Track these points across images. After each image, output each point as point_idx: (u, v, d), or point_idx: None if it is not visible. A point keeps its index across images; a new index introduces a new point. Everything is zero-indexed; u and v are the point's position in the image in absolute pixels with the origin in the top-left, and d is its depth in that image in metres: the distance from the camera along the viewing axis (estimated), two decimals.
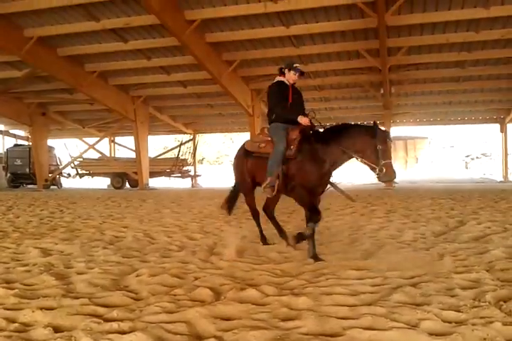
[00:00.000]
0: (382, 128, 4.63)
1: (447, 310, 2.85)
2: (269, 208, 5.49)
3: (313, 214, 4.57)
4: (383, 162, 4.39)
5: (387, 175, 4.44)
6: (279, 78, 5.10)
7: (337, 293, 3.29)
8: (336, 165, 4.71)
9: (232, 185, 5.75)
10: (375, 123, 4.65)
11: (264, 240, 5.42)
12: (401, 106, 23.56)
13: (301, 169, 4.67)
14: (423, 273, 3.81)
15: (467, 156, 37.01)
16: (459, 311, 2.82)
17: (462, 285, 3.40)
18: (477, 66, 18.18)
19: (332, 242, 5.54)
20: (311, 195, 4.68)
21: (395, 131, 24.96)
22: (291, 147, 4.71)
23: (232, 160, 5.73)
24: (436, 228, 6.49)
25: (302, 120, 4.80)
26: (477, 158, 36.26)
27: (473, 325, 2.57)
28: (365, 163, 4.54)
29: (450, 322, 2.65)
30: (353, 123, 4.81)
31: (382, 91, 19.17)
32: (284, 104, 4.95)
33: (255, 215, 5.47)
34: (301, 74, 5.05)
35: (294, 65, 4.99)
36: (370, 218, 7.93)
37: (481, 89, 21.15)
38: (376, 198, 13.05)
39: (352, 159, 4.68)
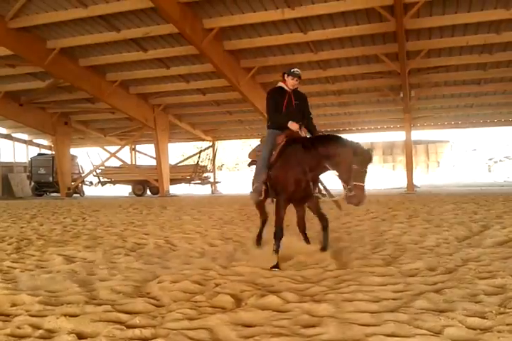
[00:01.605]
0: (368, 150, 4.36)
1: (472, 316, 2.79)
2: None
3: (276, 230, 4.62)
4: (354, 183, 4.21)
5: (354, 197, 4.23)
6: (279, 84, 5.11)
7: (359, 300, 3.26)
8: (315, 173, 4.60)
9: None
10: (358, 143, 4.39)
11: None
12: (421, 109, 23.29)
13: (278, 174, 4.70)
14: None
15: (490, 159, 36.35)
16: (484, 318, 2.76)
17: (487, 291, 3.33)
18: (499, 68, 17.90)
19: (353, 248, 5.49)
20: (287, 202, 4.71)
21: (415, 135, 24.69)
22: (273, 152, 4.80)
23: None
24: (460, 233, 6.38)
25: (292, 126, 4.81)
26: (500, 161, 35.56)
27: (499, 332, 2.51)
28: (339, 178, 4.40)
29: (475, 329, 2.60)
30: (341, 135, 4.62)
31: (401, 95, 19.00)
32: (277, 110, 4.96)
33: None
34: (299, 77, 4.97)
35: (291, 70, 4.96)
36: (392, 223, 7.85)
37: (504, 91, 20.78)
38: (397, 203, 12.91)
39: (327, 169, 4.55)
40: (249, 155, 5.36)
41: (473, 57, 16.63)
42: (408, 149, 20.90)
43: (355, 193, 4.21)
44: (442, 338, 2.49)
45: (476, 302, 3.07)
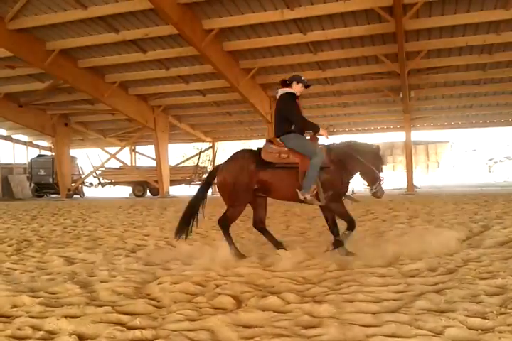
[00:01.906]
0: (383, 156, 5.47)
1: (473, 317, 2.79)
2: (262, 223, 5.29)
3: (351, 222, 5.17)
4: (378, 182, 5.19)
5: (379, 192, 5.23)
6: (287, 90, 5.15)
7: (359, 300, 3.26)
8: (352, 176, 5.23)
9: (195, 196, 5.57)
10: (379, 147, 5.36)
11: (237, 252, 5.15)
12: (421, 110, 23.31)
13: (336, 177, 5.02)
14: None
15: (490, 160, 36.36)
16: (484, 318, 2.76)
17: (488, 292, 3.33)
18: (499, 68, 17.91)
19: (354, 248, 5.48)
20: (342, 202, 5.18)
21: (415, 136, 24.69)
22: (329, 159, 5.03)
23: (222, 166, 5.29)
24: (460, 233, 6.37)
25: (324, 132, 5.09)
26: (500, 161, 35.57)
27: (500, 332, 2.51)
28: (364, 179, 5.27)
29: (476, 330, 2.60)
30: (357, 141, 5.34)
31: (401, 95, 19.00)
32: (302, 115, 5.10)
33: (228, 227, 5.27)
34: (307, 86, 5.27)
35: (303, 78, 5.19)
36: (392, 224, 7.84)
37: (503, 92, 20.79)
38: (398, 203, 12.91)
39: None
40: (266, 157, 4.99)
41: (473, 58, 16.65)
42: (408, 149, 20.93)
43: (379, 188, 5.20)
44: (443, 339, 2.49)
45: (477, 303, 3.07)
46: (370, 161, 5.11)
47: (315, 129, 5.08)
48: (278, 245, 5.18)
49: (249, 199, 5.14)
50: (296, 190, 4.86)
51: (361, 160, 5.06)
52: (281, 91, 5.18)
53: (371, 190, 5.18)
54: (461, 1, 12.97)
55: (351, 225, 5.15)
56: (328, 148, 5.12)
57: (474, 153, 36.87)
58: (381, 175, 5.19)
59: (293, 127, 5.01)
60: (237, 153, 5.33)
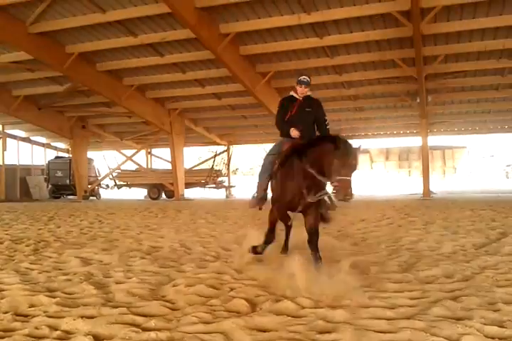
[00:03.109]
0: (348, 142, 4.12)
1: (490, 325, 2.76)
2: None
3: (267, 234, 4.91)
4: (337, 178, 4.00)
5: (339, 192, 4.03)
6: (290, 93, 5.14)
7: (375, 306, 3.24)
8: (310, 179, 4.31)
9: None
10: (337, 135, 4.26)
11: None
12: (438, 115, 23.07)
13: (275, 184, 4.78)
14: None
15: (508, 166, 35.81)
16: (502, 326, 2.73)
17: (505, 300, 3.29)
18: None
19: (369, 254, 5.46)
20: (280, 211, 4.80)
21: (432, 141, 24.43)
22: (275, 161, 4.82)
23: None
24: (477, 240, 6.31)
25: (292, 132, 4.79)
26: None
27: None
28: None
29: (493, 338, 2.57)
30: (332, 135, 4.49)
31: (418, 100, 18.83)
32: (282, 118, 4.99)
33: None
34: (306, 85, 4.91)
35: (299, 78, 4.95)
36: (408, 229, 7.78)
37: None
38: (414, 209, 12.79)
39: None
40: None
41: (491, 63, 16.44)
42: (424, 155, 20.71)
43: (338, 188, 4.02)
44: None
45: (494, 311, 3.04)
46: (323, 155, 4.19)
47: (285, 132, 4.91)
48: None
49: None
50: None
51: (311, 156, 4.31)
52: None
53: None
54: (480, 6, 12.83)
55: (266, 238, 4.92)
56: (292, 152, 4.64)
57: (492, 159, 36.37)
58: (342, 169, 4.01)
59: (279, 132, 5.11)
60: None
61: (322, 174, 4.20)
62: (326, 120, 5.06)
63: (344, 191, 4.01)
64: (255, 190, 5.06)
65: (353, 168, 4.08)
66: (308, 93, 5.00)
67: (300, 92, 4.96)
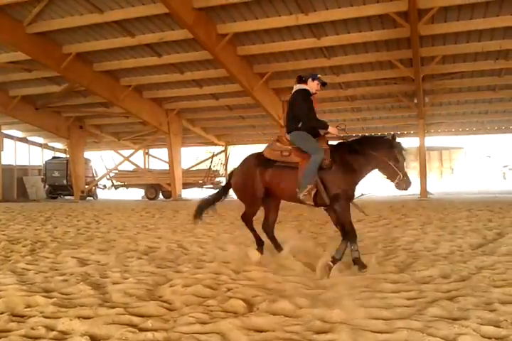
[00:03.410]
0: (400, 143, 4.84)
1: (486, 325, 2.77)
2: (269, 227, 5.39)
3: (350, 233, 4.66)
4: (401, 173, 4.67)
5: (405, 182, 4.69)
6: (302, 86, 5.07)
7: (371, 306, 3.24)
8: (363, 176, 4.83)
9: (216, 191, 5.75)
10: (394, 135, 4.85)
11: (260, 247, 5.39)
12: (435, 115, 23.12)
13: (338, 178, 4.68)
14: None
15: (505, 166, 35.94)
16: (498, 327, 2.74)
17: (502, 300, 3.30)
18: None
19: (366, 254, 5.46)
20: (348, 207, 4.75)
21: (429, 142, 24.49)
22: (325, 157, 4.71)
23: (235, 170, 5.51)
24: (474, 240, 6.32)
25: (333, 130, 4.89)
26: None
27: None
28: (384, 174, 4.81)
29: (490, 338, 2.58)
30: (373, 134, 4.85)
31: (415, 101, 18.88)
32: (313, 113, 4.98)
33: (250, 221, 5.40)
34: (323, 85, 5.10)
35: (318, 76, 5.08)
36: (405, 230, 7.79)
37: None
38: (411, 209, 12.81)
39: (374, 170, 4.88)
40: (268, 155, 5.03)
41: (489, 63, 16.49)
42: (422, 155, 20.74)
43: (404, 180, 4.69)
44: None
45: (491, 311, 3.04)
46: (384, 154, 4.69)
47: (323, 127, 4.93)
48: (278, 247, 5.32)
49: (260, 198, 5.11)
50: (296, 189, 4.74)
51: (373, 154, 4.68)
52: (296, 87, 5.13)
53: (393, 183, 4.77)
54: (477, 7, 12.86)
55: (349, 236, 4.63)
56: (334, 148, 4.84)
57: (489, 160, 36.49)
58: (400, 166, 4.71)
59: (300, 124, 4.93)
60: (247, 156, 5.43)
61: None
62: None
63: (409, 181, 4.73)
64: (303, 183, 4.70)
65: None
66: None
67: (314, 89, 5.09)
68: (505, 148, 36.19)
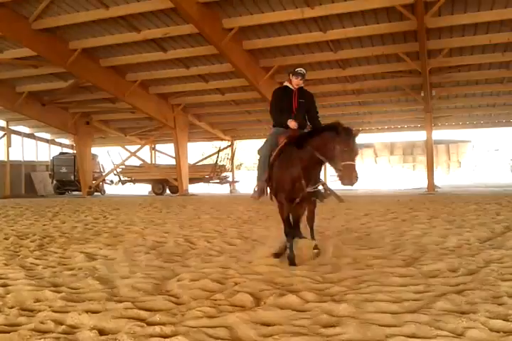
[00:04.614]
0: (348, 127, 4.27)
1: (495, 318, 2.75)
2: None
3: (285, 227, 4.79)
4: (342, 163, 4.13)
5: (344, 177, 4.13)
6: (285, 83, 5.21)
7: (379, 300, 3.24)
8: (308, 169, 4.50)
9: None
10: (338, 123, 4.33)
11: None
12: (442, 109, 22.98)
13: (275, 174, 4.78)
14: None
15: None
16: (507, 320, 2.72)
17: (510, 293, 3.28)
18: None
19: (374, 248, 5.45)
20: (285, 201, 4.70)
21: (436, 135, 24.33)
22: (272, 152, 4.86)
23: None
24: (482, 234, 6.28)
25: (290, 123, 4.88)
26: None
27: None
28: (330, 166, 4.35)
29: (498, 332, 2.56)
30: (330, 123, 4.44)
31: (422, 94, 18.77)
32: (279, 108, 5.08)
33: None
34: (302, 76, 5.04)
35: (296, 69, 5.08)
36: (413, 224, 7.77)
37: None
38: (418, 203, 12.77)
39: (324, 163, 4.50)
40: (259, 152, 5.24)
41: (496, 56, 16.34)
42: (429, 149, 20.64)
43: (343, 173, 4.13)
44: (464, 340, 2.46)
45: (499, 305, 3.03)
46: (322, 145, 4.32)
47: (281, 122, 5.00)
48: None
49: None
50: None
51: (310, 147, 4.40)
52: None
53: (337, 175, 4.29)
54: None
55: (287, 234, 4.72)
56: (289, 143, 4.74)
57: (497, 153, 36.19)
58: (339, 157, 4.16)
59: (273, 122, 5.17)
60: None
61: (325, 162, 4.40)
62: (317, 112, 5.26)
63: (350, 175, 4.12)
64: (256, 182, 5.03)
65: (355, 152, 4.24)
66: (302, 85, 5.14)
67: (295, 83, 5.09)
68: None
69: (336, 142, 4.16)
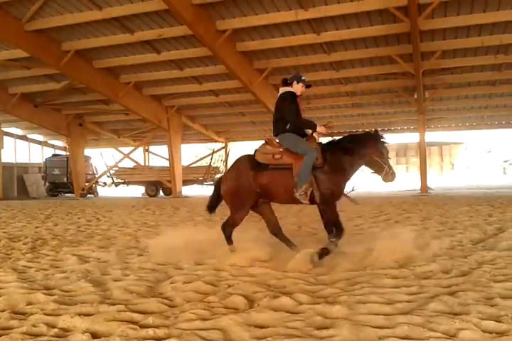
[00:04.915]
0: (384, 141, 5.11)
1: (487, 320, 2.77)
2: (276, 228, 5.34)
3: (338, 229, 4.78)
4: (387, 167, 4.93)
5: (391, 175, 4.96)
6: (288, 88, 5.11)
7: (372, 302, 3.24)
8: (353, 173, 5.03)
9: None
10: (376, 130, 5.15)
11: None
12: (435, 111, 23.10)
13: (329, 177, 4.81)
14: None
15: (505, 161, 35.93)
16: (499, 321, 2.74)
17: (503, 295, 3.30)
18: None
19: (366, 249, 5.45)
20: (335, 205, 4.90)
21: (429, 137, 24.47)
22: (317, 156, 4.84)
23: (225, 174, 5.67)
24: (474, 235, 6.31)
25: (322, 129, 5.01)
26: None
27: None
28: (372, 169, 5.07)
29: (490, 333, 2.58)
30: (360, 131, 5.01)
31: (415, 96, 18.85)
32: (300, 115, 5.04)
33: (231, 232, 5.31)
34: (307, 86, 5.19)
35: (303, 78, 5.12)
36: (405, 225, 7.78)
37: None
38: (411, 205, 12.81)
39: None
40: (261, 159, 5.01)
41: (489, 58, 16.45)
42: (422, 151, 20.74)
43: (390, 173, 4.95)
44: None
45: (492, 306, 3.04)
46: (371, 150, 4.95)
47: (311, 127, 5.05)
48: (292, 246, 5.21)
49: (251, 203, 5.13)
50: (294, 189, 4.79)
51: (362, 151, 4.94)
52: (282, 90, 5.17)
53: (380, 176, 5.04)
54: (477, 1, 12.82)
55: (337, 232, 4.77)
56: (324, 147, 4.96)
57: (489, 155, 36.46)
58: (385, 159, 4.96)
59: (288, 126, 4.98)
60: (236, 159, 5.48)
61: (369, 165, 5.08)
62: None
63: (393, 173, 5.01)
64: (299, 183, 4.77)
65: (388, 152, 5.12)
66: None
67: (299, 91, 5.12)
68: (506, 142, 36.18)
69: (382, 149, 4.99)
